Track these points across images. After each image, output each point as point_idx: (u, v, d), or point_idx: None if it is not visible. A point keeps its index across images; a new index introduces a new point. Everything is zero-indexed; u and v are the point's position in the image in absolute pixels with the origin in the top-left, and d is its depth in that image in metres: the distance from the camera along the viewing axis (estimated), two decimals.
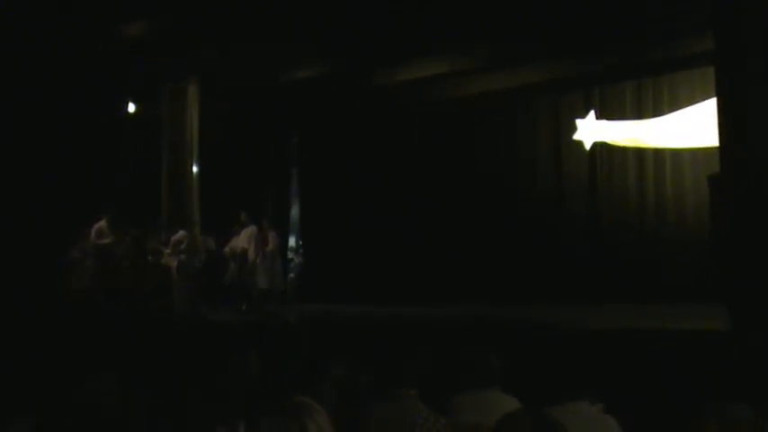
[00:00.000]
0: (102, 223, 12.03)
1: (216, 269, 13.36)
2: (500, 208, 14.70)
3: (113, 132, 14.26)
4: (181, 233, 12.57)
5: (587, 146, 13.70)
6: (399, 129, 15.55)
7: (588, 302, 12.26)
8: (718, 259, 7.78)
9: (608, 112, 13.67)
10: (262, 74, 13.74)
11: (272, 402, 2.31)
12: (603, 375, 3.71)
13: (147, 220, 13.05)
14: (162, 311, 11.59)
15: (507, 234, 14.46)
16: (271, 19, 11.35)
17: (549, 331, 7.71)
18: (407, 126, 15.49)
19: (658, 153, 13.18)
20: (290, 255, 16.25)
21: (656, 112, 13.11)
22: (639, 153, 13.41)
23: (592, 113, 13.69)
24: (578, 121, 13.78)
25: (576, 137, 13.77)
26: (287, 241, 16.11)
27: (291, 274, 16.04)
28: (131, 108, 14.07)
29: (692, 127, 12.26)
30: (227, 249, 13.15)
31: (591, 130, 13.64)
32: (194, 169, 13.17)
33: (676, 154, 12.93)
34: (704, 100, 11.84)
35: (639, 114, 13.35)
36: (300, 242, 16.86)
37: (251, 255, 12.79)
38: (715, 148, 8.31)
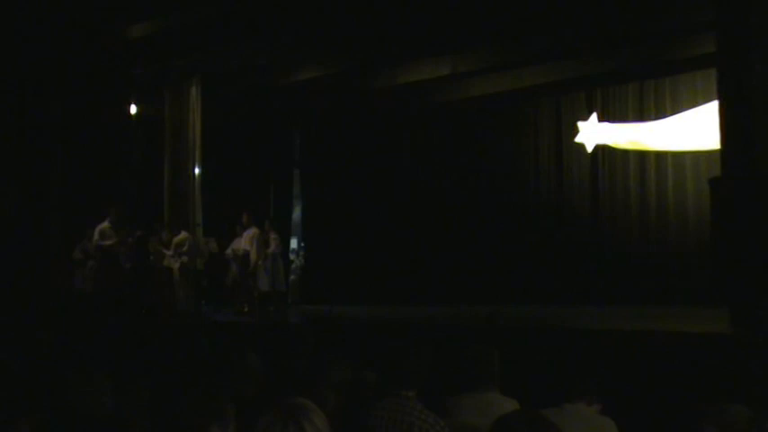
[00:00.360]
0: (106, 224, 12.04)
1: (218, 271, 13.38)
2: (502, 210, 14.71)
3: (116, 134, 14.29)
4: (183, 235, 12.59)
5: (589, 148, 13.69)
6: (401, 131, 15.58)
7: (589, 304, 12.26)
8: (720, 262, 7.77)
9: (610, 115, 13.67)
10: (264, 76, 13.77)
11: (270, 403, 2.31)
12: (602, 377, 3.72)
13: (149, 221, 13.08)
14: (163, 313, 11.60)
15: (508, 236, 14.47)
16: (273, 21, 11.37)
17: (548, 333, 7.71)
18: (409, 128, 15.52)
19: (660, 155, 13.17)
20: (292, 256, 16.26)
21: (658, 114, 13.10)
22: (641, 155, 13.40)
23: (594, 116, 13.68)
24: (580, 124, 13.78)
25: (578, 139, 13.77)
26: (289, 243, 16.11)
27: (293, 276, 16.05)
28: (133, 110, 14.09)
29: (694, 129, 12.24)
30: (228, 251, 13.16)
31: (593, 133, 13.63)
32: (196, 171, 13.19)
33: (678, 156, 12.92)
34: (706, 102, 11.82)
35: (641, 117, 13.35)
36: (302, 244, 16.87)
37: (253, 257, 12.80)
38: (717, 150, 8.31)
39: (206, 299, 13.36)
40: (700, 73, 12.19)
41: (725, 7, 7.80)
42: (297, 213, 17.02)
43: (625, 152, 13.53)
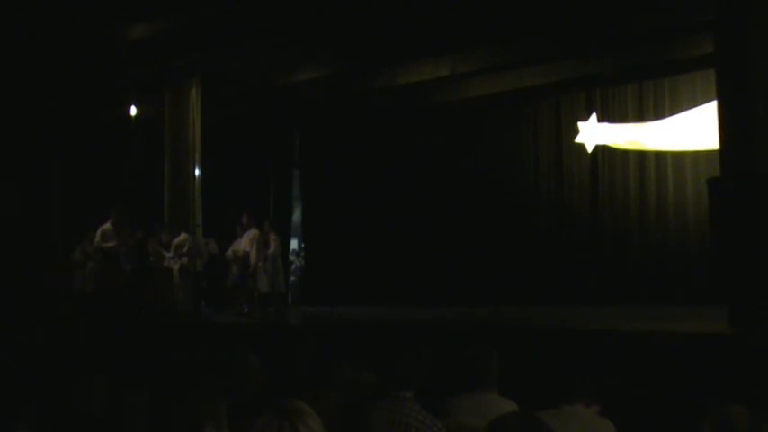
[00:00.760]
0: (108, 225, 12.04)
1: (217, 272, 13.39)
2: (501, 211, 14.72)
3: (116, 135, 14.30)
4: (183, 236, 12.59)
5: (589, 149, 13.70)
6: (400, 131, 15.58)
7: (588, 305, 12.27)
8: (719, 262, 7.77)
9: (609, 115, 13.67)
10: (264, 76, 13.78)
11: (266, 405, 2.32)
12: (601, 378, 3.72)
13: (149, 222, 13.08)
14: (163, 314, 11.61)
15: (508, 236, 14.48)
16: (272, 22, 11.38)
17: (547, 334, 7.71)
18: (409, 129, 15.52)
19: (660, 156, 13.18)
20: (292, 257, 16.26)
21: (658, 114, 13.11)
22: (641, 156, 13.41)
23: (593, 116, 13.68)
24: (580, 124, 13.78)
25: (578, 140, 13.77)
26: (289, 244, 16.12)
27: (293, 277, 16.06)
28: (133, 111, 14.09)
29: (694, 130, 12.24)
30: (228, 252, 13.16)
31: (592, 133, 13.63)
32: (196, 172, 13.19)
33: (678, 157, 12.93)
34: (705, 103, 11.83)
35: (641, 117, 13.35)
36: (302, 245, 16.88)
37: (253, 258, 12.80)
38: (716, 150, 8.32)
39: (206, 300, 13.37)
40: (699, 73, 12.20)
41: (724, 8, 7.81)
42: (297, 214, 17.02)
43: (625, 152, 13.53)
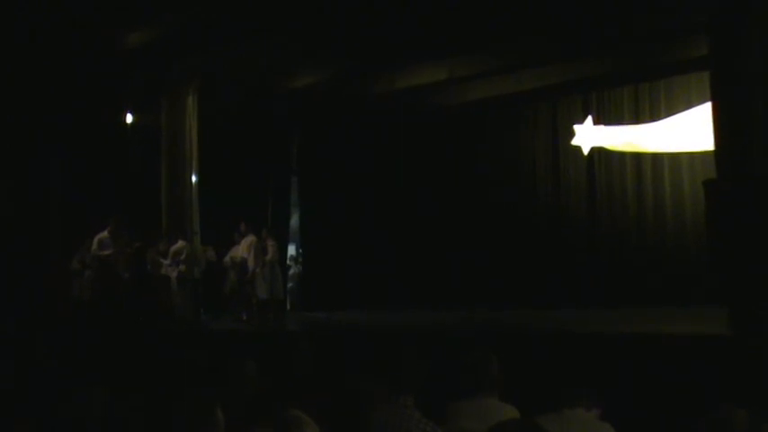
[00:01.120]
0: (105, 234, 12.02)
1: (216, 279, 13.37)
2: (499, 214, 14.73)
3: (113, 143, 14.28)
4: (180, 243, 12.57)
5: (585, 151, 13.74)
6: (399, 136, 15.58)
7: (586, 307, 12.27)
8: (717, 264, 7.78)
9: (605, 117, 13.71)
10: (261, 82, 13.77)
11: (265, 413, 2.32)
12: (601, 381, 3.72)
13: (147, 230, 13.05)
14: (161, 322, 11.58)
15: (506, 239, 14.49)
16: (270, 27, 11.38)
17: (546, 337, 7.71)
18: (407, 132, 15.52)
19: (656, 157, 13.20)
20: (290, 264, 16.24)
21: (653, 116, 13.15)
22: (637, 157, 13.43)
23: (589, 119, 13.72)
24: (576, 127, 13.82)
25: (574, 142, 13.81)
26: (286, 250, 16.10)
27: (291, 283, 16.03)
28: (129, 118, 14.07)
29: (689, 131, 12.29)
30: (226, 259, 13.15)
31: (588, 136, 13.67)
32: (193, 179, 13.18)
33: (674, 158, 12.95)
34: (700, 104, 11.86)
35: (636, 119, 13.39)
36: (300, 251, 16.85)
37: (251, 264, 12.79)
38: (712, 151, 8.34)
39: (204, 307, 13.34)
40: (694, 75, 12.23)
41: (718, 9, 7.83)
42: (295, 220, 17.00)
43: (621, 154, 13.56)
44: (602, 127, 13.59)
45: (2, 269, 11.29)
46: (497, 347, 4.15)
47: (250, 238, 12.90)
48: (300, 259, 16.61)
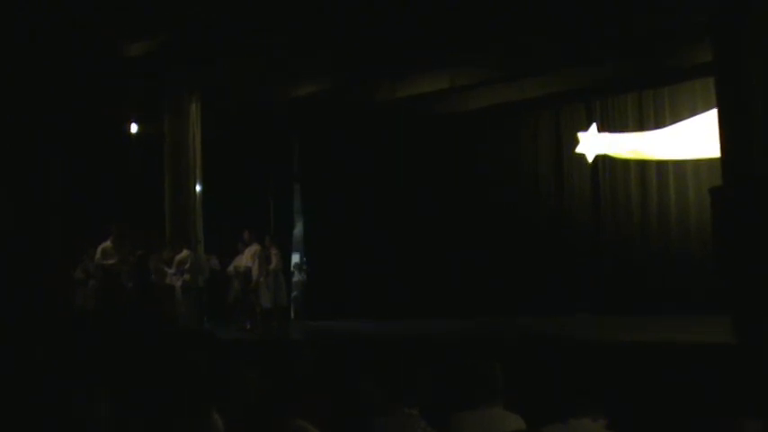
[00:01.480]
0: (108, 243, 12.03)
1: (219, 288, 13.35)
2: (503, 222, 14.70)
3: (116, 152, 14.30)
4: (184, 252, 12.57)
5: (589, 159, 13.70)
6: (402, 144, 15.57)
7: (591, 315, 12.23)
8: (723, 271, 7.74)
9: (609, 125, 13.68)
10: (263, 91, 13.79)
11: (268, 423, 2.29)
12: (607, 391, 3.68)
13: (149, 238, 13.05)
14: (165, 331, 11.56)
15: (510, 248, 14.45)
16: (273, 36, 11.40)
17: (551, 345, 7.67)
18: (410, 141, 15.51)
19: (661, 165, 13.16)
20: (294, 272, 16.22)
21: (658, 123, 13.11)
22: (642, 165, 13.39)
23: (593, 126, 13.69)
24: (580, 134, 13.78)
25: (578, 150, 13.77)
26: (290, 258, 16.08)
27: (295, 292, 16.01)
28: (134, 128, 14.09)
29: (694, 138, 12.24)
30: (230, 268, 13.15)
31: (593, 143, 13.64)
32: (197, 188, 13.18)
33: (679, 166, 12.91)
34: (705, 111, 11.83)
35: (641, 126, 13.35)
36: (304, 259, 16.83)
37: (255, 273, 12.78)
38: (717, 158, 8.30)
39: (208, 316, 13.33)
40: (698, 82, 12.19)
41: (718, 9, 7.79)
42: (298, 228, 16.98)
43: (626, 162, 13.52)
44: (606, 134, 13.56)
45: (2, 269, 11.26)
46: (501, 355, 4.12)
47: (254, 247, 12.90)
48: (304, 267, 16.58)
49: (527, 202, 14.70)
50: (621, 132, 13.50)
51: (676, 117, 12.82)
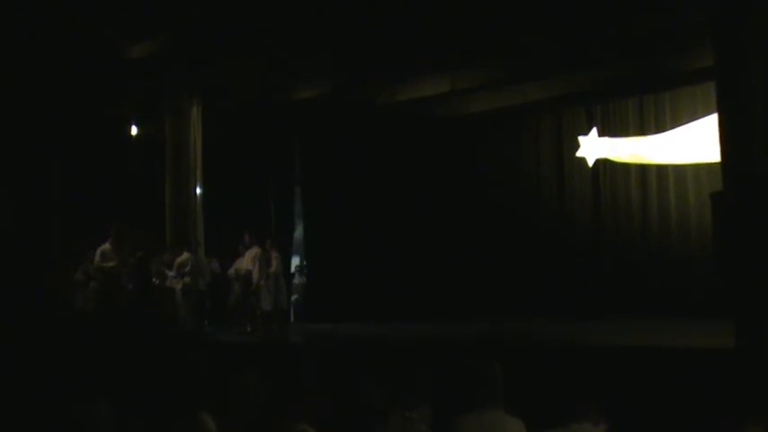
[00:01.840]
0: (107, 246, 12.01)
1: (220, 291, 13.34)
2: (504, 225, 14.70)
3: (116, 154, 14.29)
4: (185, 255, 12.56)
5: (590, 163, 13.71)
6: (402, 145, 15.57)
7: (592, 319, 12.22)
8: (724, 275, 7.73)
9: (610, 129, 13.69)
10: (264, 94, 13.79)
11: (267, 426, 2.29)
12: (608, 395, 3.68)
13: (150, 240, 13.04)
14: (166, 333, 11.55)
15: (510, 248, 14.46)
16: (274, 38, 11.40)
17: (552, 349, 7.66)
18: (410, 142, 15.51)
19: (661, 169, 13.16)
20: (295, 275, 16.21)
21: (658, 128, 13.12)
22: (642, 169, 13.40)
23: (594, 130, 13.70)
24: (581, 138, 13.79)
25: (579, 154, 13.78)
26: (290, 261, 16.06)
27: (295, 295, 15.99)
28: (134, 130, 14.09)
29: (695, 142, 12.25)
30: (231, 271, 13.13)
31: (593, 147, 13.65)
32: (198, 191, 13.17)
33: (679, 170, 12.92)
34: (706, 115, 11.83)
35: (642, 131, 13.36)
36: (305, 262, 16.81)
37: (255, 276, 12.77)
38: (718, 163, 8.28)
39: (209, 319, 13.31)
40: (699, 86, 12.20)
41: (718, 9, 7.78)
42: (299, 231, 16.96)
43: (626, 166, 13.54)
44: (607, 139, 13.57)
45: (2, 269, 11.25)
46: (501, 358, 4.11)
47: (254, 250, 12.88)
48: (305, 270, 16.56)
49: (528, 204, 14.71)
50: (622, 137, 13.51)
51: (677, 122, 12.83)
